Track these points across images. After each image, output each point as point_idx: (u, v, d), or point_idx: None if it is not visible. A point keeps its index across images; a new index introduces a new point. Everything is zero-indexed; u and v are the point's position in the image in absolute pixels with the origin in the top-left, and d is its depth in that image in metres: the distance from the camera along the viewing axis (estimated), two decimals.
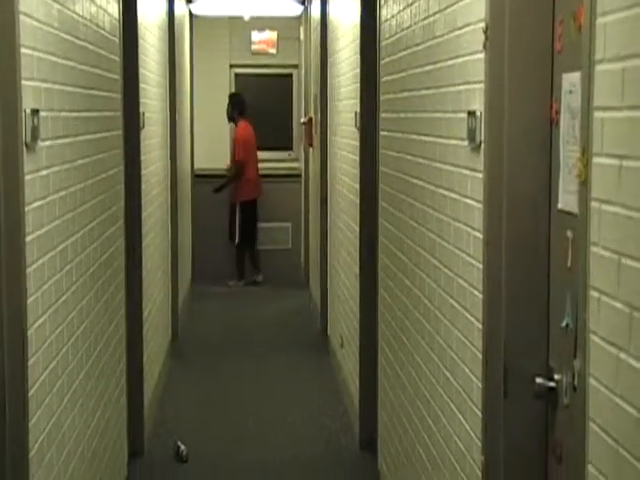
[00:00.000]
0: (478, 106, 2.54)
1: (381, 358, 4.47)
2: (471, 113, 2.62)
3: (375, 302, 4.64)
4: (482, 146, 2.49)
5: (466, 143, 2.69)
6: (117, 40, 4.30)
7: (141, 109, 5.08)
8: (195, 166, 9.86)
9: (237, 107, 9.55)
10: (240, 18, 10.49)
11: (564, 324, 2.12)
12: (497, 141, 2.32)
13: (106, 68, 3.99)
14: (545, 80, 2.24)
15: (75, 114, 3.30)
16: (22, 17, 2.49)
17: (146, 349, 5.32)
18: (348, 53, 5.71)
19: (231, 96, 9.76)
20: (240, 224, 9.52)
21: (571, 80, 2.07)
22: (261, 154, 9.93)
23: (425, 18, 3.32)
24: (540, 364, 2.26)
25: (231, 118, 9.60)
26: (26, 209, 2.52)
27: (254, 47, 11.00)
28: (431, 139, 3.23)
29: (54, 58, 2.94)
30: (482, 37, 2.44)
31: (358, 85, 5.09)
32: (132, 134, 4.74)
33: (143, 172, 5.18)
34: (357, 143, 5.16)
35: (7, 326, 2.37)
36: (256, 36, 10.98)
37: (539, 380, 2.20)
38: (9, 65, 2.33)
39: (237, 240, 9.57)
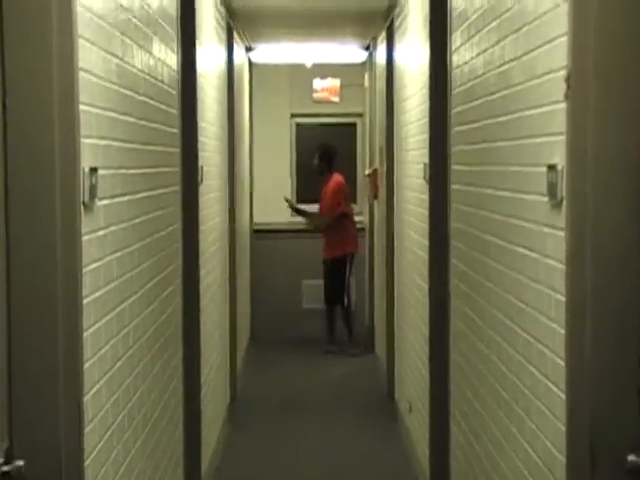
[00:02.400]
0: (559, 159, 2.52)
1: (453, 426, 4.41)
2: (551, 167, 2.59)
3: (446, 366, 4.58)
4: (564, 202, 2.47)
5: (546, 199, 2.67)
6: (176, 93, 4.36)
7: (200, 163, 5.14)
8: (254, 220, 9.92)
9: (327, 159, 9.46)
10: (301, 65, 10.63)
11: None
12: (580, 197, 2.29)
13: (165, 122, 4.05)
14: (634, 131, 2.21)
15: (133, 171, 3.35)
16: (82, 73, 2.54)
17: (204, 414, 5.32)
18: (416, 101, 5.72)
19: (320, 147, 9.57)
20: (349, 281, 9.37)
21: None
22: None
23: (500, 65, 3.30)
24: (632, 439, 2.20)
25: (321, 171, 9.49)
26: (83, 271, 2.55)
27: (316, 95, 11.13)
28: (507, 194, 3.21)
29: (113, 114, 2.99)
30: (563, 86, 2.43)
31: (427, 135, 5.09)
32: (191, 189, 4.80)
33: (201, 228, 5.23)
34: (426, 196, 5.15)
35: (63, 394, 2.38)
36: (318, 84, 11.11)
37: (631, 457, 2.14)
38: (68, 123, 2.37)
39: (347, 301, 9.35)
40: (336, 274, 9.36)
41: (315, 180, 10.26)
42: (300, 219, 10.10)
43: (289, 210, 10.33)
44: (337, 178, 9.44)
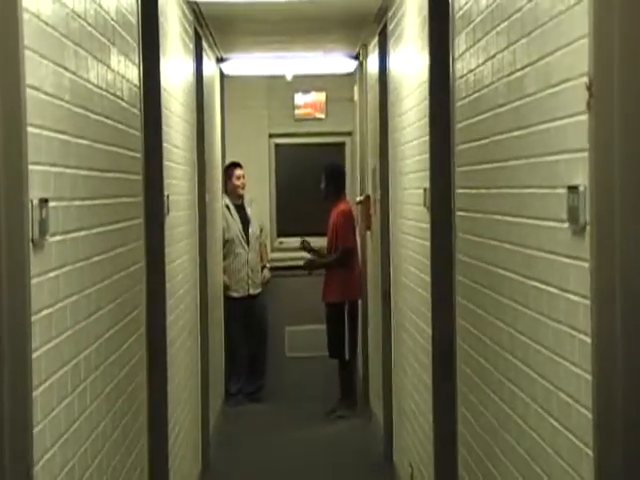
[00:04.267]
0: (581, 180, 2.53)
1: None
2: (572, 188, 2.61)
3: (453, 422, 4.56)
4: (587, 228, 2.48)
5: (566, 225, 2.68)
6: (137, 111, 4.38)
7: (165, 192, 5.16)
8: None
9: (334, 182, 9.41)
10: (281, 78, 10.69)
11: None
12: (607, 221, 2.30)
13: (125, 145, 4.07)
14: None
15: (89, 202, 3.35)
16: (29, 90, 2.53)
17: None
18: (414, 116, 5.76)
19: (327, 169, 9.50)
20: (350, 331, 9.25)
21: None
22: (310, 240, 9.98)
23: (511, 73, 3.33)
24: None
25: (327, 197, 9.42)
26: (32, 319, 2.54)
27: (298, 112, 11.19)
28: (521, 220, 3.23)
29: (66, 137, 3.00)
30: (585, 95, 2.44)
31: (427, 155, 5.10)
32: (155, 222, 4.83)
33: (168, 267, 5.23)
34: (427, 226, 5.17)
35: (10, 464, 2.36)
36: (300, 99, 11.18)
37: None
38: (14, 147, 2.36)
39: (348, 355, 9.25)
40: (333, 322, 9.30)
41: (298, 208, 10.27)
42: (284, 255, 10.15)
43: (268, 246, 10.38)
44: (343, 206, 9.35)
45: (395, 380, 7.07)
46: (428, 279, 5.20)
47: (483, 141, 3.82)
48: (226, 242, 9.70)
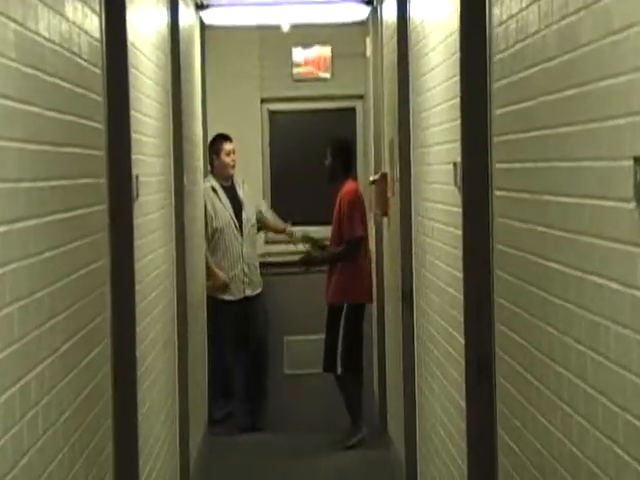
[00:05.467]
0: None
1: None
2: (639, 160, 2.61)
3: (492, 451, 4.55)
4: None
5: (632, 205, 2.68)
6: (99, 71, 4.37)
7: (134, 171, 5.13)
8: None
9: (342, 158, 9.51)
10: (276, 29, 10.65)
11: None
12: None
13: (84, 113, 4.06)
14: None
15: (40, 184, 3.35)
16: None
17: None
18: (442, 75, 5.74)
19: (333, 142, 9.59)
20: (345, 341, 9.29)
21: None
22: (310, 230, 9.98)
23: (563, 18, 3.30)
24: None
25: (333, 177, 9.51)
26: None
27: (297, 71, 11.17)
28: (575, 200, 3.23)
29: (10, 103, 3.00)
30: None
31: (458, 123, 5.09)
32: (121, 208, 4.80)
33: (137, 265, 5.23)
34: (459, 209, 5.16)
35: None
36: (300, 54, 11.15)
37: None
38: None
39: (340, 369, 9.30)
40: (328, 328, 9.38)
41: (298, 191, 10.25)
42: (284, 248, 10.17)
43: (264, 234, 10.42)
44: (349, 187, 9.43)
45: (419, 400, 7.04)
46: (460, 275, 5.16)
47: (528, 103, 3.80)
48: (214, 233, 9.69)
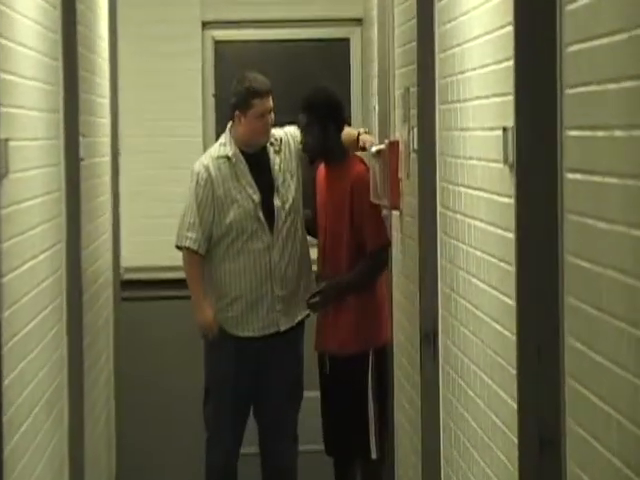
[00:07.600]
0: None
1: None
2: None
3: None
4: None
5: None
6: None
7: (1, 133, 4.64)
8: (124, 256, 9.05)
9: (328, 121, 7.61)
10: None
11: None
12: None
13: None
14: None
15: None
16: None
17: None
18: None
19: (310, 97, 7.71)
20: (379, 406, 7.83)
21: None
22: None
23: None
24: None
25: (311, 148, 7.65)
26: None
27: None
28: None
29: None
30: None
31: (511, 64, 4.38)
32: None
33: (4, 280, 4.65)
34: (510, 200, 4.46)
35: None
36: None
37: None
38: None
39: (376, 452, 7.70)
40: (353, 389, 7.76)
41: None
42: None
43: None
44: (359, 168, 7.73)
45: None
46: (512, 303, 4.44)
47: (618, 36, 3.25)
48: (223, 237, 7.35)
